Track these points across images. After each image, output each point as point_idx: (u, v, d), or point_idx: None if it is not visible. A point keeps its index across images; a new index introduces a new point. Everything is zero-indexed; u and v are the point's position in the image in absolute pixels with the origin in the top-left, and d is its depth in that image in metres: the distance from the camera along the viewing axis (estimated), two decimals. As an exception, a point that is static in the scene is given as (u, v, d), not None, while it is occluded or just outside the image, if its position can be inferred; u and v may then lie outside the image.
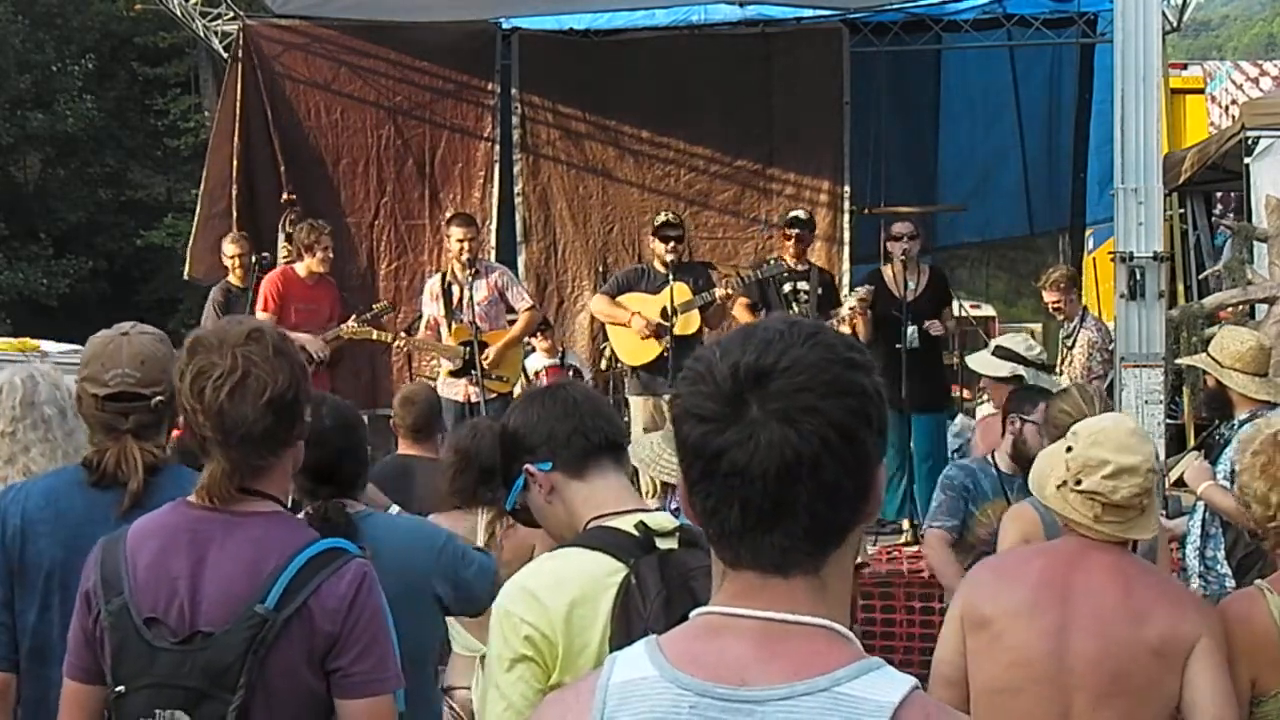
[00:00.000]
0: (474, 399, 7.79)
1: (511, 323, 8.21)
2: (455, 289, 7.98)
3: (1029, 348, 6.10)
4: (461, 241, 7.91)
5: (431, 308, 8.11)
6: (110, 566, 2.31)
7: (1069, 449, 2.92)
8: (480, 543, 4.29)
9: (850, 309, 7.88)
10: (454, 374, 7.96)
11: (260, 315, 7.83)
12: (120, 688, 2.26)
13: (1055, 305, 8.18)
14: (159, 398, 2.87)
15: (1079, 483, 2.85)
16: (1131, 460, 2.83)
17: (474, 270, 7.97)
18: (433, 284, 8.17)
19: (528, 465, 2.42)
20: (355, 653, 2.28)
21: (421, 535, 3.46)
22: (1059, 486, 2.91)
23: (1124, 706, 2.80)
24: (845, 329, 7.86)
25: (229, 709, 2.20)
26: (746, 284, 8.10)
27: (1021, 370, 5.97)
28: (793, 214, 8.56)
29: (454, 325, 7.94)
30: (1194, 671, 2.76)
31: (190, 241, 10.17)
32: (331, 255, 8.15)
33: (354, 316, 8.10)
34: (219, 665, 2.21)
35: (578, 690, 1.43)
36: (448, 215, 9.05)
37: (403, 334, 8.46)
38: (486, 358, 7.85)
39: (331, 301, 8.23)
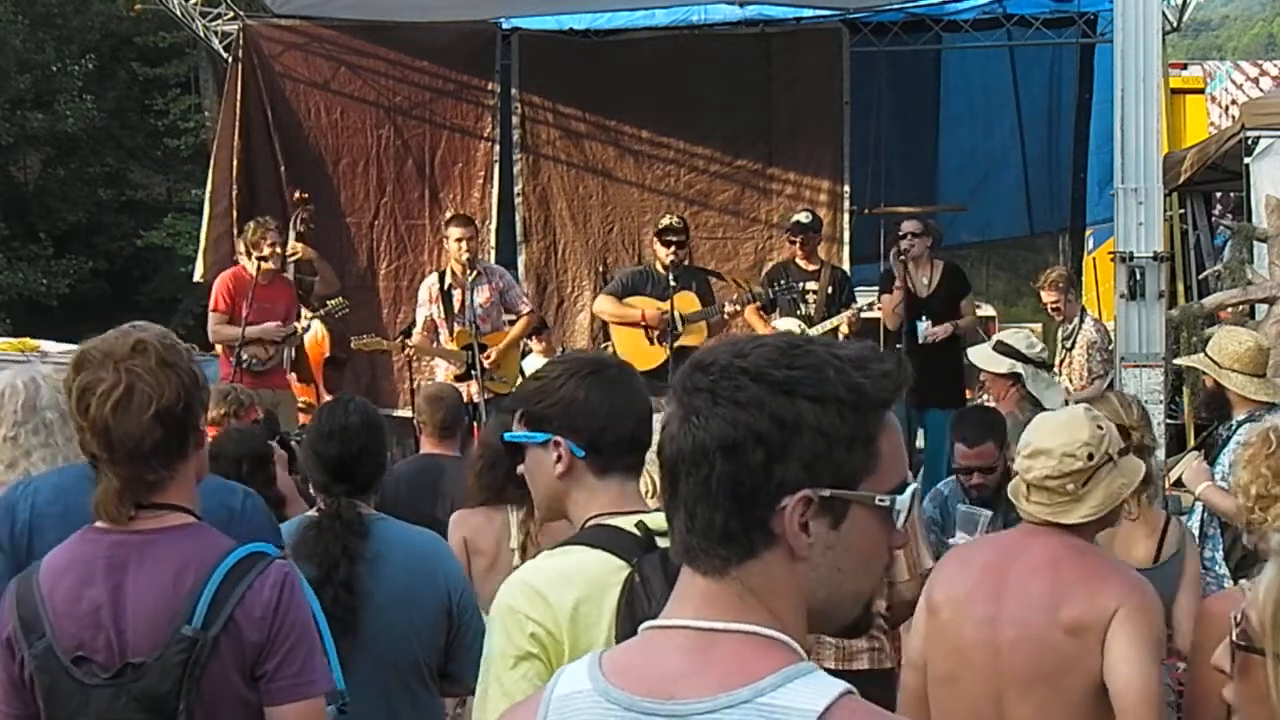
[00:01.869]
0: (476, 399, 7.80)
1: (510, 324, 8.22)
2: (456, 292, 7.97)
3: (1030, 345, 6.09)
4: (460, 241, 7.89)
5: (429, 309, 8.09)
6: (28, 607, 2.25)
7: None
8: (515, 543, 4.28)
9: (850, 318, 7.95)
10: (457, 378, 7.95)
11: (212, 315, 7.88)
12: None
13: (1053, 306, 8.16)
14: None
15: (1011, 462, 2.99)
16: (1048, 443, 2.91)
17: (475, 272, 7.96)
18: (431, 285, 8.15)
19: (561, 439, 2.33)
20: (280, 657, 2.25)
21: (432, 545, 3.44)
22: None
23: (1045, 691, 2.86)
24: (845, 330, 7.90)
25: None
26: (755, 296, 8.13)
27: (1020, 368, 5.97)
28: (795, 218, 8.55)
29: (456, 329, 7.93)
30: (1110, 642, 2.82)
31: (201, 245, 10.15)
32: (279, 251, 8.03)
33: (308, 313, 8.09)
34: (155, 694, 2.17)
35: (527, 704, 1.45)
36: (447, 216, 9.05)
37: (406, 342, 8.43)
38: (488, 357, 7.85)
39: (288, 300, 8.19)
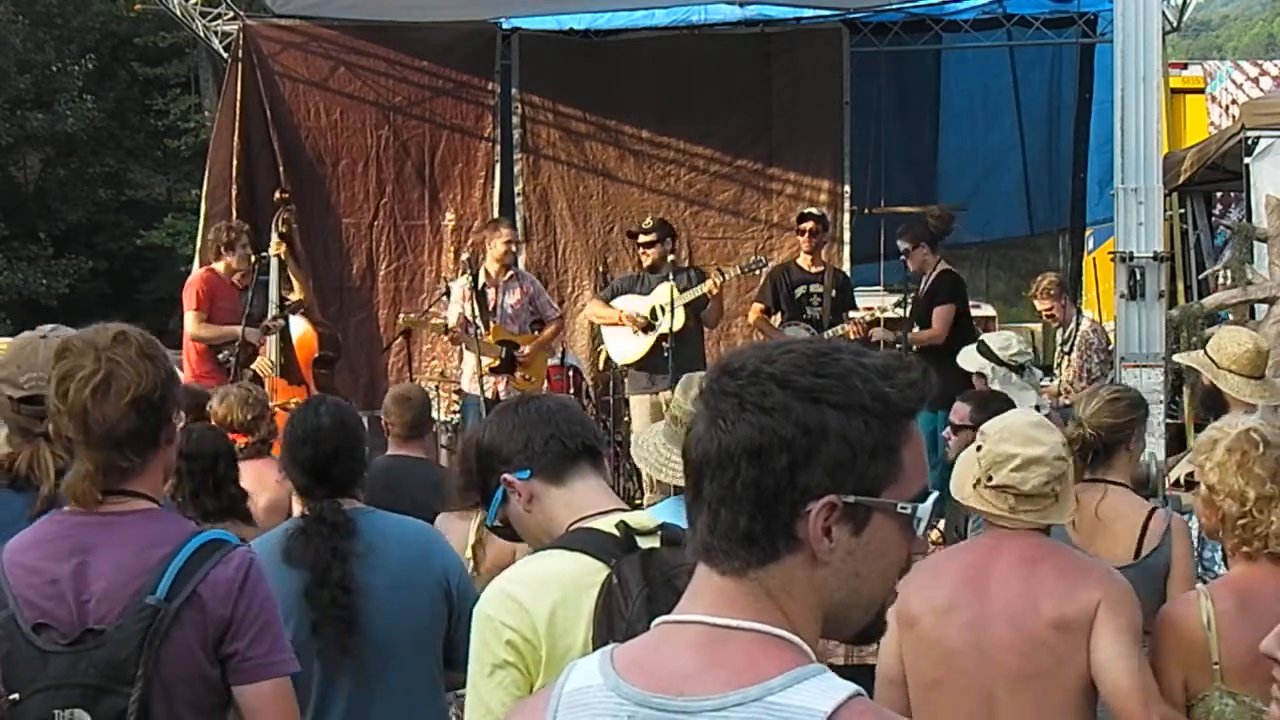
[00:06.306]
0: (504, 395, 7.90)
1: (535, 325, 8.37)
2: (490, 291, 8.17)
3: (1005, 346, 6.05)
4: (509, 243, 8.18)
5: (460, 307, 8.18)
6: None
7: (979, 448, 3.01)
8: (470, 542, 4.28)
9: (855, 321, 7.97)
10: (494, 370, 8.08)
11: (189, 315, 7.77)
12: (14, 695, 2.25)
13: (1048, 312, 8.18)
14: None
15: (990, 478, 2.94)
16: (1037, 451, 2.92)
17: (510, 274, 8.25)
18: (464, 284, 8.23)
19: (506, 475, 2.40)
20: (250, 636, 2.31)
21: (425, 532, 3.46)
22: (974, 485, 2.99)
23: (1039, 688, 2.88)
24: (853, 332, 7.91)
25: (129, 701, 2.21)
26: (728, 278, 8.21)
27: (989, 370, 5.98)
28: (806, 210, 8.62)
29: (492, 325, 8.11)
30: (1095, 641, 2.84)
31: (198, 243, 10.15)
32: (250, 254, 8.01)
33: (270, 319, 7.94)
34: (115, 660, 2.23)
35: (536, 699, 1.46)
36: (494, 216, 9.15)
37: (452, 327, 8.35)
38: (522, 353, 8.11)
39: (240, 300, 8.08)
